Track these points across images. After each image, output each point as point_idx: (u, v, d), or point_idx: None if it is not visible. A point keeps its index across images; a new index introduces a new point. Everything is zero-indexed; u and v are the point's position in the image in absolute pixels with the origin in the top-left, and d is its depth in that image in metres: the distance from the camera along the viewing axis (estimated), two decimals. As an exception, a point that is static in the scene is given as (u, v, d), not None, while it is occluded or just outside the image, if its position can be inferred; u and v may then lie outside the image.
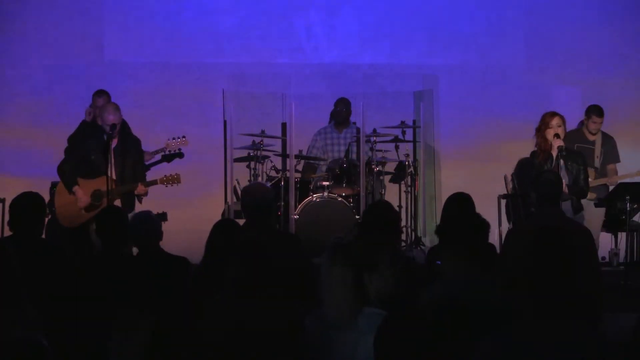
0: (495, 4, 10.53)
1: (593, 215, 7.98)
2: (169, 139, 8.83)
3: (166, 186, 7.82)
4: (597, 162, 8.75)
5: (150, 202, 8.23)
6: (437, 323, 2.95)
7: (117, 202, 7.60)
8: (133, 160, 7.76)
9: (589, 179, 8.31)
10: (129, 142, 7.79)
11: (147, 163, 8.75)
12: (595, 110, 8.74)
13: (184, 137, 8.84)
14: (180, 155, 8.93)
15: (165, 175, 7.85)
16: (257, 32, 10.47)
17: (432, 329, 2.92)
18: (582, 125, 8.91)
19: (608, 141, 8.84)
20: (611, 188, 8.70)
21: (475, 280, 3.89)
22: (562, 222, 5.91)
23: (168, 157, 8.90)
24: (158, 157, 8.95)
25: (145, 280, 5.00)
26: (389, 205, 5.75)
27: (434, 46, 10.50)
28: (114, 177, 7.62)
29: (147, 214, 5.70)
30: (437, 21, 10.49)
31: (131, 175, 7.71)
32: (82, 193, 7.64)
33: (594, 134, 8.76)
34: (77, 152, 7.86)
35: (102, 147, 7.51)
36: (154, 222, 5.55)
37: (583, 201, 7.62)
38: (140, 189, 7.65)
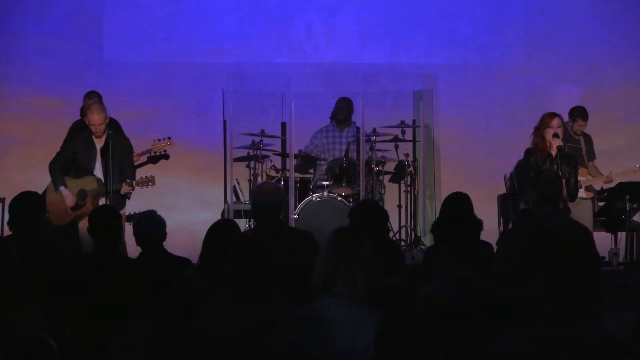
0: (496, 3, 10.53)
1: (582, 211, 7.94)
2: (154, 141, 8.76)
3: (142, 188, 7.84)
4: (585, 160, 8.77)
5: (151, 202, 8.24)
6: (432, 321, 2.95)
7: (103, 202, 7.63)
8: (119, 160, 7.78)
9: (586, 178, 8.32)
10: (116, 142, 7.80)
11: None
12: (581, 114, 8.74)
13: (169, 138, 8.74)
14: (166, 156, 8.86)
15: (140, 177, 7.86)
16: (257, 32, 10.48)
17: (428, 327, 2.92)
18: (566, 125, 8.90)
19: (588, 140, 8.87)
20: (601, 185, 8.71)
21: (471, 279, 3.90)
22: (562, 221, 5.91)
23: (154, 159, 8.86)
24: (144, 158, 8.92)
25: (146, 280, 4.99)
26: (375, 203, 5.74)
27: (433, 46, 10.50)
28: (100, 176, 7.69)
29: (152, 213, 5.69)
30: (437, 21, 10.49)
31: (117, 175, 7.73)
32: (68, 193, 7.72)
33: (578, 135, 8.78)
34: (65, 152, 7.93)
35: (89, 146, 7.60)
36: (159, 222, 5.54)
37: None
38: (125, 188, 7.68)
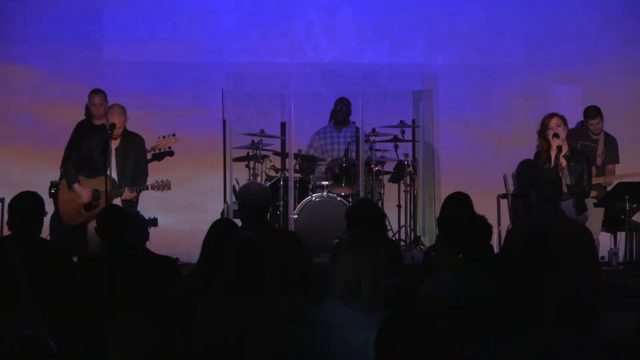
0: (495, 3, 10.53)
1: (592, 215, 7.98)
2: (159, 137, 8.83)
3: (156, 192, 7.85)
4: (599, 161, 8.76)
5: (150, 201, 8.25)
6: (431, 320, 2.95)
7: (117, 203, 7.62)
8: (135, 161, 7.79)
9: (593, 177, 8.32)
10: (131, 143, 7.82)
11: None
12: (589, 114, 8.75)
13: (174, 135, 8.83)
14: (170, 153, 8.93)
15: (156, 181, 7.88)
16: (257, 31, 10.47)
17: (428, 326, 2.92)
18: (583, 125, 8.92)
19: (610, 142, 8.85)
20: (607, 188, 8.71)
21: (471, 279, 3.90)
22: (561, 221, 5.91)
23: (158, 156, 8.91)
24: (149, 155, 8.96)
25: (136, 280, 5.00)
26: (371, 202, 5.73)
27: (433, 45, 10.50)
28: (114, 177, 7.68)
29: (135, 213, 5.70)
30: (437, 20, 10.49)
31: (131, 176, 7.74)
32: (82, 189, 7.72)
33: (596, 134, 8.77)
34: (79, 151, 7.92)
35: (102, 146, 7.59)
36: (141, 221, 5.54)
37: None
38: (125, 194, 7.67)
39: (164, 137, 8.82)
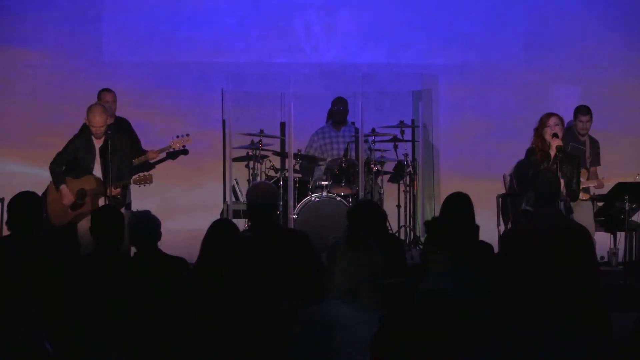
0: (495, 3, 10.52)
1: (583, 213, 7.94)
2: (173, 138, 9.05)
3: (139, 186, 7.93)
4: (588, 162, 8.77)
5: (149, 201, 8.24)
6: (431, 318, 2.95)
7: (102, 202, 7.67)
8: (119, 159, 7.81)
9: (583, 179, 8.33)
10: (116, 141, 7.83)
11: (152, 161, 9.08)
12: (581, 110, 8.77)
13: (187, 135, 9.10)
14: (185, 152, 9.27)
15: (138, 175, 7.95)
16: (256, 31, 10.47)
17: (427, 325, 2.92)
18: (572, 125, 8.92)
19: (595, 144, 8.89)
20: (593, 191, 8.73)
21: (470, 277, 3.91)
22: (560, 221, 5.92)
23: (173, 155, 9.15)
24: (163, 155, 9.17)
25: (142, 281, 4.99)
26: (372, 202, 5.72)
27: (433, 46, 10.49)
28: (99, 176, 7.74)
29: (146, 213, 5.69)
30: (436, 20, 10.48)
31: (115, 175, 7.77)
32: (68, 191, 7.75)
33: (582, 135, 8.78)
34: (65, 152, 7.97)
35: (89, 147, 7.72)
36: (153, 222, 5.53)
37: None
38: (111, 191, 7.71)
39: (177, 136, 9.09)
